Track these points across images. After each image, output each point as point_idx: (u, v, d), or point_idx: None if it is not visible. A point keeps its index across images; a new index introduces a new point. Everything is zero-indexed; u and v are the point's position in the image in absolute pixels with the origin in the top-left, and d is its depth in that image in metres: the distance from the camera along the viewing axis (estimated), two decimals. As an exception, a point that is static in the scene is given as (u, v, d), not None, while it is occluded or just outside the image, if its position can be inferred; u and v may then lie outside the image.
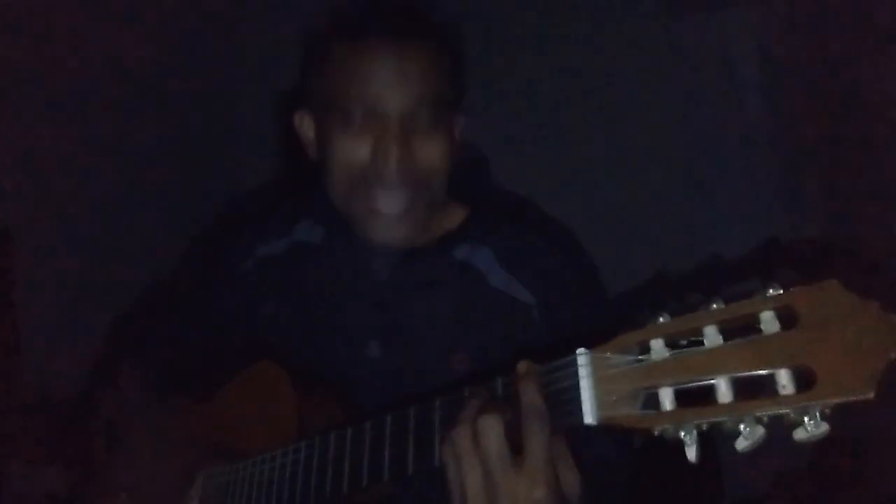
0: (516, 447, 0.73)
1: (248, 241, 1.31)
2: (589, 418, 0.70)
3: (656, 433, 0.67)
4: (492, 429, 0.72)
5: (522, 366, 0.79)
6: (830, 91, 1.84)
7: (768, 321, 0.63)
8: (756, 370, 0.62)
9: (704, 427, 0.65)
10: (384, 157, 1.08)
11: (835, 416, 0.60)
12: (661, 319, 0.69)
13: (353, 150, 1.10)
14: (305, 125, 1.21)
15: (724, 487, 1.64)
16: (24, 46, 1.67)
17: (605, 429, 0.70)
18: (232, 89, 2.37)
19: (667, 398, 0.67)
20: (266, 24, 2.40)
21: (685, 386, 0.67)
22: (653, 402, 0.68)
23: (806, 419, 0.60)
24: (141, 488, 1.23)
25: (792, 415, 0.60)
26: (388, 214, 1.11)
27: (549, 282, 1.17)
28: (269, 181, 2.04)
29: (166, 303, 1.38)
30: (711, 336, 0.66)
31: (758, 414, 0.61)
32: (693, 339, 0.67)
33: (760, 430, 0.63)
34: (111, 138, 1.88)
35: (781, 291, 0.63)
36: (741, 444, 0.63)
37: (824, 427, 0.60)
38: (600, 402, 0.70)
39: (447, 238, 1.20)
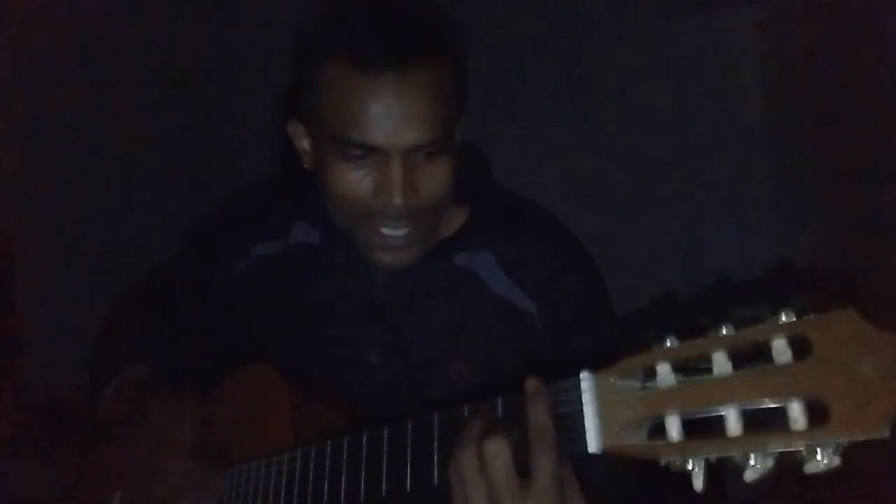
0: (522, 469, 0.72)
1: (244, 241, 1.29)
2: (593, 447, 0.68)
3: (663, 464, 0.65)
4: (498, 453, 0.71)
5: (531, 384, 0.76)
6: (830, 91, 1.81)
7: (780, 350, 0.60)
8: (767, 402, 0.60)
9: (713, 459, 0.63)
10: (388, 195, 1.03)
11: (848, 452, 0.58)
12: (668, 342, 0.66)
13: (355, 183, 1.05)
14: (299, 135, 1.16)
15: (724, 488, 1.62)
16: (24, 48, 1.66)
17: (608, 458, 0.68)
18: (230, 89, 2.35)
19: (674, 427, 0.64)
20: (265, 24, 2.38)
21: (693, 415, 0.64)
22: (659, 429, 0.66)
23: (818, 455, 0.58)
24: (137, 489, 1.22)
25: (803, 451, 0.58)
26: (393, 245, 1.08)
27: (550, 289, 1.14)
28: (265, 180, 2.02)
29: (161, 303, 1.36)
30: (721, 363, 0.63)
31: (769, 451, 0.59)
32: (701, 365, 0.65)
33: (770, 463, 0.61)
34: (111, 139, 1.86)
35: (795, 319, 0.60)
36: (750, 475, 0.61)
37: (836, 461, 0.58)
38: (605, 431, 0.68)
39: (448, 243, 1.18)
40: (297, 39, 1.14)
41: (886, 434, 0.54)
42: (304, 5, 1.21)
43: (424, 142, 1.03)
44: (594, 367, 0.71)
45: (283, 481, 1.02)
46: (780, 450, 0.58)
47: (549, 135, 2.28)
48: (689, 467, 0.63)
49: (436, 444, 0.84)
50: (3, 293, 1.56)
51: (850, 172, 1.79)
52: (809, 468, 0.59)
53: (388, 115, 1.01)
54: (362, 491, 0.91)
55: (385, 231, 1.07)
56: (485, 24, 2.21)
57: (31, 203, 1.64)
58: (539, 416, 0.72)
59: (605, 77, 2.25)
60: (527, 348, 1.13)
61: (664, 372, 0.66)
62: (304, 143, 1.15)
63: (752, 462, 0.61)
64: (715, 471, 0.66)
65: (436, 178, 1.07)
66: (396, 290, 1.17)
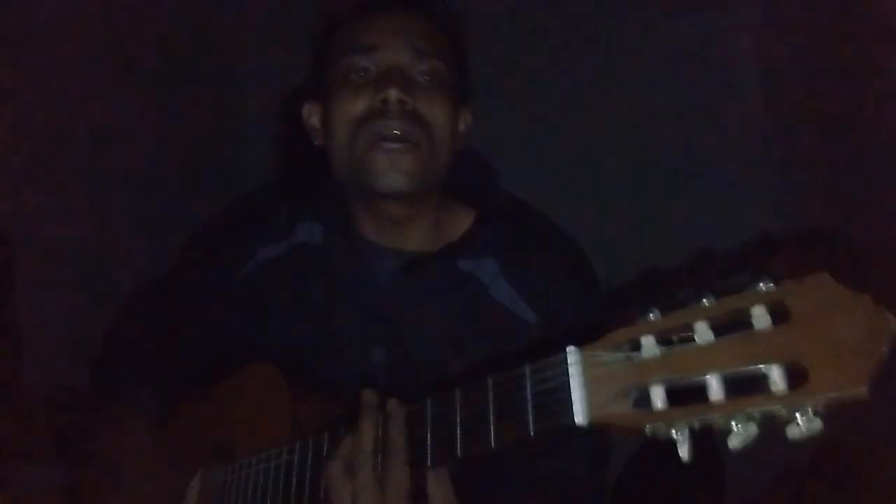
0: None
1: (248, 244, 1.30)
2: (580, 418, 0.69)
3: (648, 432, 0.66)
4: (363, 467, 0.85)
5: (366, 395, 0.88)
6: (830, 91, 1.82)
7: (759, 316, 0.61)
8: (747, 367, 0.61)
9: (696, 426, 0.64)
10: (385, 87, 1.10)
11: (829, 413, 0.59)
12: (651, 315, 0.68)
13: (355, 99, 1.13)
14: (313, 114, 1.24)
15: (724, 486, 1.63)
16: (25, 47, 1.67)
17: (594, 431, 0.69)
18: (233, 91, 2.36)
19: (658, 396, 0.65)
20: (266, 25, 2.40)
21: (677, 383, 0.65)
22: (644, 399, 0.67)
23: (798, 416, 0.58)
24: (139, 487, 1.23)
25: (784, 412, 0.59)
26: (390, 152, 1.10)
27: (551, 301, 1.16)
28: (268, 183, 2.04)
29: (166, 306, 1.37)
30: (702, 332, 0.64)
31: (749, 412, 0.60)
32: (684, 335, 0.66)
33: (753, 428, 0.61)
34: (111, 139, 1.87)
35: (772, 286, 0.61)
36: (733, 441, 0.62)
37: (817, 424, 0.59)
38: (591, 402, 0.69)
39: (452, 247, 1.19)
40: (316, 35, 1.25)
41: (864, 393, 0.55)
42: (304, 6, 1.27)
43: (420, 57, 1.13)
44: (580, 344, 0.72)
45: (282, 473, 1.03)
46: (760, 411, 0.59)
47: (546, 131, 2.29)
48: (674, 435, 0.64)
49: (428, 427, 0.86)
50: (3, 293, 1.57)
51: (847, 170, 1.79)
52: (791, 432, 0.60)
53: (392, 23, 1.16)
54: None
55: (384, 131, 1.10)
56: (485, 26, 2.23)
57: (31, 204, 1.65)
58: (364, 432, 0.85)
59: (605, 76, 2.27)
60: (523, 357, 1.14)
61: (648, 343, 0.67)
62: (315, 121, 1.24)
63: (735, 427, 0.61)
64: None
65: (433, 102, 1.13)
66: (400, 290, 1.18)
